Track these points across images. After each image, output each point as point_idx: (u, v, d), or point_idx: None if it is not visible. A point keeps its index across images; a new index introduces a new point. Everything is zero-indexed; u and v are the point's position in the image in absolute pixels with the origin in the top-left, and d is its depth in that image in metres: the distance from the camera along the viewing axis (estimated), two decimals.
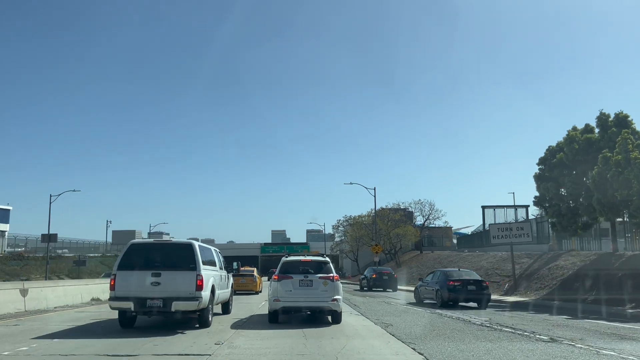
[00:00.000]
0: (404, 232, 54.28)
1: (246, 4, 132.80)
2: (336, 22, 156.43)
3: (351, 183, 45.63)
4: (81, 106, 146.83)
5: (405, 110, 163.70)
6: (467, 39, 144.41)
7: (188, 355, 8.63)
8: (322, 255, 15.46)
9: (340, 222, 77.40)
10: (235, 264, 20.64)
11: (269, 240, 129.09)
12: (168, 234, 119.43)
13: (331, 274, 13.94)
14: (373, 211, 54.70)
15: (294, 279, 13.70)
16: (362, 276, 39.74)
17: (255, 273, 30.92)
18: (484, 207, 54.95)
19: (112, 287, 11.80)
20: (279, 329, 12.45)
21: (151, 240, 14.74)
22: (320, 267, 14.18)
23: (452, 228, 65.66)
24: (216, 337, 10.88)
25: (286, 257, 14.88)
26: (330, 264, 14.45)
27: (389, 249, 57.79)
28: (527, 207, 52.56)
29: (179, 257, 12.17)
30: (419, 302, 22.87)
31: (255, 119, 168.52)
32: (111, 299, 11.90)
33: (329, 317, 14.17)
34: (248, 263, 50.20)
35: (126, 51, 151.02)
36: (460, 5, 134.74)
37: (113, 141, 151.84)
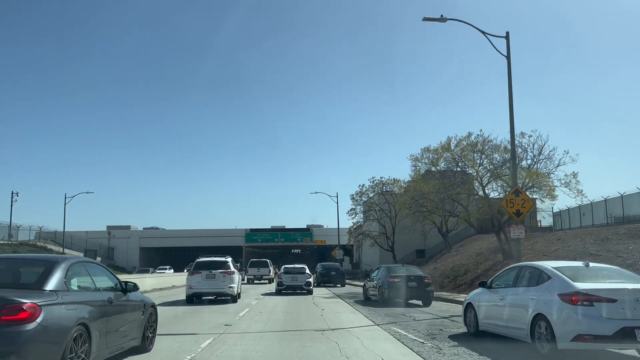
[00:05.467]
0: (536, 181, 24.97)
1: (246, 4, 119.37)
2: (337, 20, 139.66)
3: (436, 19, 16.30)
4: (80, 104, 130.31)
5: (406, 109, 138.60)
6: None
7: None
8: (224, 256, 21.76)
9: (365, 188, 48.25)
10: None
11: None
12: (164, 229, 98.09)
13: (228, 270, 20.05)
14: (472, 134, 25.45)
15: (202, 273, 19.70)
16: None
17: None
18: None
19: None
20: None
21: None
22: (222, 265, 20.29)
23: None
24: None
25: (199, 258, 21.31)
26: (229, 263, 20.71)
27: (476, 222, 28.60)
28: None
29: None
30: (366, 298, 22.53)
31: (255, 118, 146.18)
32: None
33: (229, 298, 20.10)
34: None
35: (126, 51, 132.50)
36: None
37: (109, 137, 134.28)
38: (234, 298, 19.90)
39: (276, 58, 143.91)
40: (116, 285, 7.83)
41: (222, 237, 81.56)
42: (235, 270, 20.87)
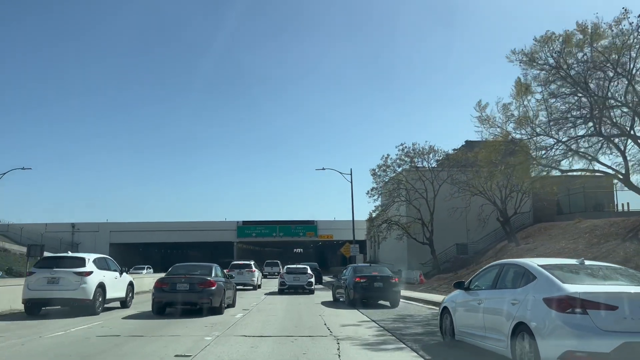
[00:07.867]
0: None
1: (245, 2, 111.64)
2: (336, 15, 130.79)
3: None
4: (78, 103, 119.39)
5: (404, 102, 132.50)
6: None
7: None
8: (250, 260, 33.14)
9: (392, 161, 35.77)
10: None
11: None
12: (139, 222, 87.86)
13: (251, 269, 30.46)
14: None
15: (236, 271, 29.20)
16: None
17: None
18: None
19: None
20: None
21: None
22: (248, 266, 30.84)
23: None
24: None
25: (233, 262, 33.18)
26: (252, 264, 31.20)
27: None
28: None
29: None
30: (335, 299, 22.00)
31: (257, 118, 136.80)
32: None
33: (251, 287, 30.17)
34: (218, 254, 46.19)
35: (124, 48, 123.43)
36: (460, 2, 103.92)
37: (108, 136, 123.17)
38: (255, 287, 30.29)
39: (275, 53, 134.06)
40: (225, 275, 17.46)
41: (209, 232, 69.20)
42: (256, 269, 31.42)
